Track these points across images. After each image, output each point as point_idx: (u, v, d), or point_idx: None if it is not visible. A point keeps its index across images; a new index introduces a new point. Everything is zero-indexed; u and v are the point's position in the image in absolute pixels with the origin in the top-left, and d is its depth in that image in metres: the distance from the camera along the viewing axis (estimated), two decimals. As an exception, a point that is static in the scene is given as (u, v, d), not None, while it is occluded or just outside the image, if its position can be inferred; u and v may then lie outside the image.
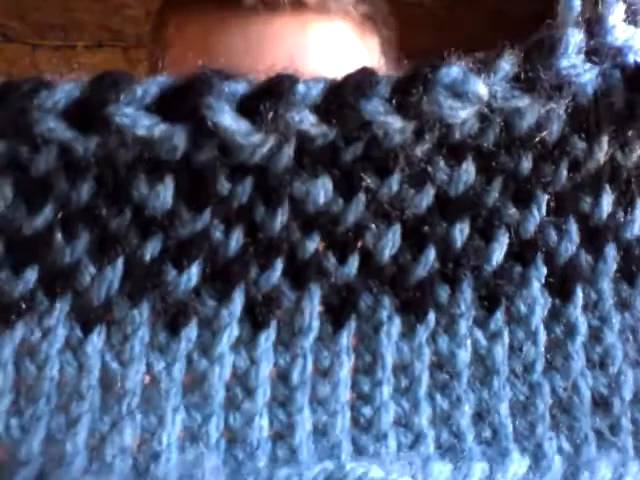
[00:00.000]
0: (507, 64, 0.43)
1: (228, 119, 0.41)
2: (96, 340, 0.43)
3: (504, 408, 0.46)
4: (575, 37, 0.44)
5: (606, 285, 0.46)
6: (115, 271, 0.43)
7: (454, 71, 0.42)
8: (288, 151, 0.43)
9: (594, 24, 0.45)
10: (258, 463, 0.43)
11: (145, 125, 0.40)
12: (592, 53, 0.44)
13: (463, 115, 0.42)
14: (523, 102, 0.43)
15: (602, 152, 0.45)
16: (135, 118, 0.40)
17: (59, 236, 0.43)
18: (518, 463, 0.45)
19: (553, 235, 0.46)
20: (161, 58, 0.71)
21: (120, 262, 0.43)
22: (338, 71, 0.61)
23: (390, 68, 0.73)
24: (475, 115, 0.43)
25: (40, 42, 2.29)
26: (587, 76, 0.44)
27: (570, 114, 0.44)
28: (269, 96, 0.41)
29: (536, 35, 0.44)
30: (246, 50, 0.64)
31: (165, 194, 0.43)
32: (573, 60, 0.43)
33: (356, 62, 0.66)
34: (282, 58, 0.60)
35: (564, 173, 0.45)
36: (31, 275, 0.43)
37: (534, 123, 0.44)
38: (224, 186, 0.43)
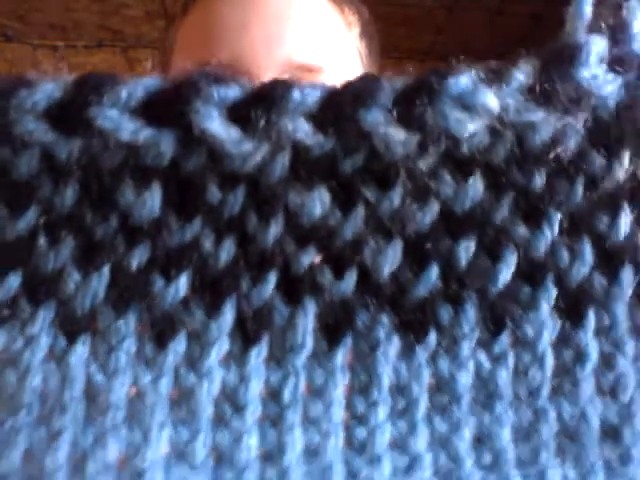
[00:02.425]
0: (521, 74, 0.38)
1: (217, 126, 0.37)
2: (80, 350, 0.41)
3: (506, 433, 0.43)
4: (597, 45, 0.39)
5: (620, 310, 0.42)
6: (100, 279, 0.40)
7: (463, 81, 0.38)
8: (282, 161, 0.39)
9: (618, 31, 0.40)
10: None
11: (129, 129, 0.37)
12: (615, 62, 0.40)
13: (471, 129, 0.38)
14: (537, 116, 0.38)
15: (622, 169, 0.40)
16: (118, 122, 0.37)
17: (42, 241, 0.40)
18: (518, 491, 0.42)
19: (565, 256, 0.42)
20: (172, 33, 0.76)
21: (106, 270, 0.40)
22: (319, 42, 0.68)
23: (371, 55, 0.76)
24: (485, 129, 0.39)
25: (40, 42, 2.29)
26: (609, 88, 0.39)
27: (589, 128, 0.40)
28: (261, 102, 0.38)
29: (555, 43, 0.39)
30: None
31: (152, 202, 0.40)
32: (595, 70, 0.39)
33: (335, 36, 0.70)
34: (270, 27, 0.65)
35: (580, 191, 0.41)
36: (14, 281, 0.40)
37: (549, 138, 0.39)
38: (214, 195, 0.40)
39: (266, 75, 0.64)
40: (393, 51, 2.16)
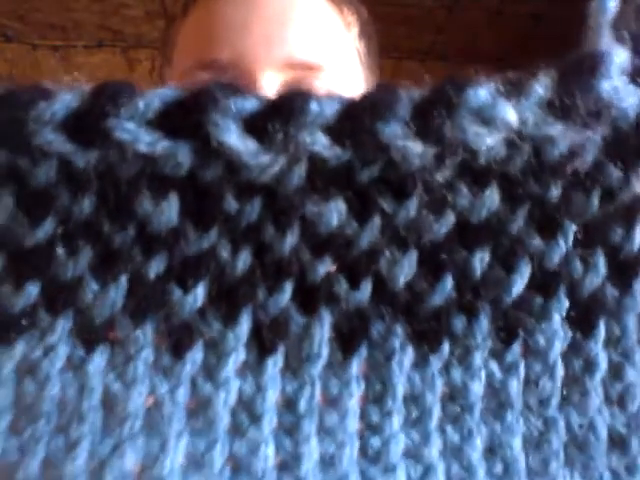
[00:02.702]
0: (541, 88, 0.38)
1: (234, 138, 0.37)
2: (98, 360, 0.41)
3: (517, 443, 0.43)
4: (619, 56, 0.39)
5: (631, 320, 0.43)
6: (118, 289, 0.41)
7: (481, 94, 0.38)
8: (299, 172, 0.39)
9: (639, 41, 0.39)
10: None
11: (146, 141, 0.37)
12: (637, 74, 0.39)
13: (489, 142, 0.38)
14: (556, 130, 0.38)
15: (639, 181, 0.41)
16: (136, 134, 0.37)
17: (61, 250, 0.40)
18: (530, 501, 0.42)
19: (579, 267, 0.42)
20: (173, 34, 0.76)
21: (123, 280, 0.41)
22: (319, 41, 0.69)
23: (370, 55, 0.76)
24: (502, 141, 0.39)
25: (40, 42, 2.28)
26: (630, 100, 0.39)
27: (607, 140, 0.40)
28: (279, 115, 0.38)
29: (576, 53, 0.39)
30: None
31: (170, 211, 0.40)
32: (616, 82, 0.39)
33: (335, 36, 0.71)
34: (271, 26, 0.66)
35: (595, 203, 0.41)
36: (32, 290, 0.40)
37: (567, 151, 0.40)
38: (232, 205, 0.40)
39: (267, 73, 0.65)
40: (393, 51, 2.17)
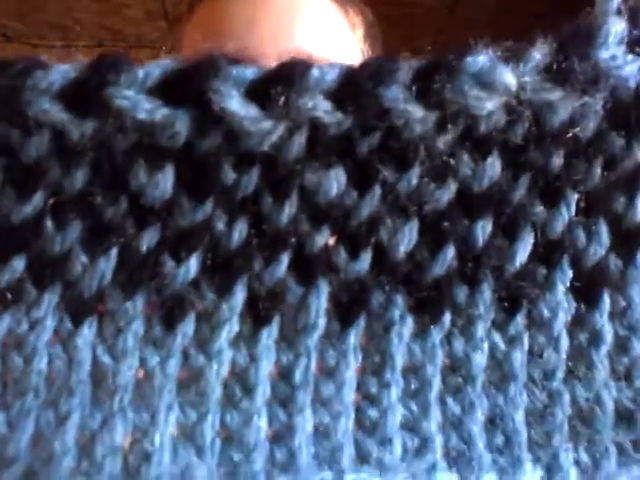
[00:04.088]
0: (538, 54, 0.39)
1: (236, 104, 0.38)
2: (87, 333, 0.41)
3: (519, 415, 0.44)
4: (616, 26, 0.40)
5: (636, 292, 0.43)
6: (108, 261, 0.41)
7: (480, 59, 0.39)
8: (299, 139, 0.40)
9: (637, 13, 0.40)
10: (255, 466, 0.41)
11: (146, 109, 0.38)
12: (634, 44, 0.40)
13: (489, 106, 0.39)
14: (555, 95, 0.39)
15: None
16: (136, 101, 0.38)
17: (49, 224, 0.41)
18: (530, 474, 0.43)
19: (582, 236, 0.43)
20: (179, 33, 0.78)
21: (114, 252, 0.41)
22: (325, 40, 0.71)
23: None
24: (502, 107, 0.40)
25: (40, 42, 2.29)
26: (629, 68, 0.40)
27: (609, 109, 0.41)
28: (280, 81, 0.38)
29: (572, 24, 0.40)
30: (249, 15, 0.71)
31: (164, 183, 0.40)
32: (613, 51, 0.40)
33: (340, 36, 0.73)
34: (278, 23, 0.68)
35: (598, 171, 0.42)
36: (18, 264, 0.41)
37: (567, 118, 0.40)
38: (228, 175, 0.41)
39: None
40: (393, 51, 2.16)
